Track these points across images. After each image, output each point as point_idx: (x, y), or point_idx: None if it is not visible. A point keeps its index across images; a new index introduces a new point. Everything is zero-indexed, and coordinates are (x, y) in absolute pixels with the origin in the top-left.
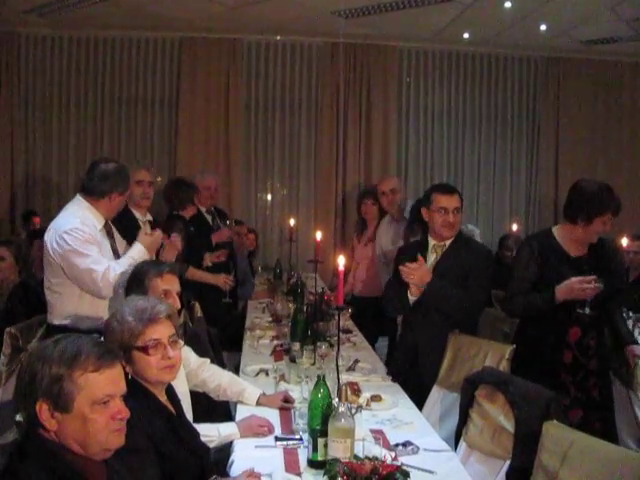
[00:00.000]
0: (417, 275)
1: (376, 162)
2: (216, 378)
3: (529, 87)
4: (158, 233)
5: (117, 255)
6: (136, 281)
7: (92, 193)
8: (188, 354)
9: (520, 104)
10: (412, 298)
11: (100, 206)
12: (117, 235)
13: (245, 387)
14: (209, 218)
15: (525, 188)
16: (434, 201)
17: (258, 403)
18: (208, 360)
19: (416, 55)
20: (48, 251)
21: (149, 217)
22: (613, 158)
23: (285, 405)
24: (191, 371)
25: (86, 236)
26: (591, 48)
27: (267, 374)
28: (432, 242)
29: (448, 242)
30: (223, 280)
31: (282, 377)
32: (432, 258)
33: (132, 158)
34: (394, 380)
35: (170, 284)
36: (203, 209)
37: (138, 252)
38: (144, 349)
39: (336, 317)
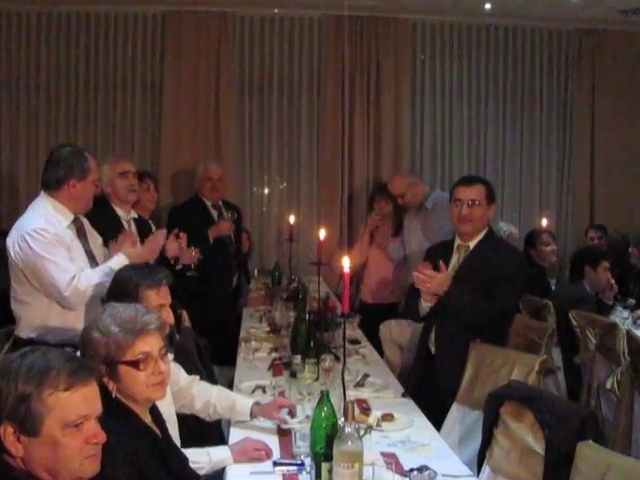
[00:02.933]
0: (434, 283)
1: (387, 150)
2: (204, 395)
3: (560, 63)
4: (152, 243)
5: (92, 258)
6: (124, 293)
7: (49, 184)
8: (177, 371)
9: (550, 82)
10: (426, 305)
11: (62, 198)
12: (93, 235)
13: (235, 399)
14: (214, 213)
15: (556, 177)
16: (453, 193)
17: (252, 415)
18: (197, 377)
19: (431, 29)
20: (10, 256)
21: (133, 214)
22: None
23: (282, 418)
24: (180, 390)
25: (51, 237)
26: (629, 18)
27: (264, 391)
28: (457, 242)
29: (473, 242)
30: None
31: (281, 394)
32: (454, 260)
33: (110, 148)
34: (405, 395)
35: (166, 297)
36: (208, 203)
37: (119, 264)
38: (134, 364)
39: (342, 326)
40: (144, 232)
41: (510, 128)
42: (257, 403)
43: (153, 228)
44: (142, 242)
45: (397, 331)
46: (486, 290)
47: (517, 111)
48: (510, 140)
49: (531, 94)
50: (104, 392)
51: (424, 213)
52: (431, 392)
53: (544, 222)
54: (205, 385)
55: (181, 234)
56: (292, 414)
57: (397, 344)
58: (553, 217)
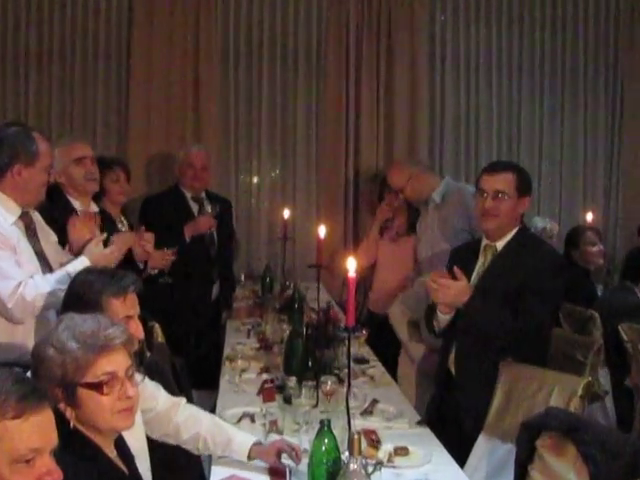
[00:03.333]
0: (449, 294)
1: (400, 132)
2: (193, 425)
3: (608, 29)
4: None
5: (44, 261)
6: (83, 302)
7: None
8: (155, 392)
9: (596, 51)
10: (443, 317)
11: (6, 188)
12: (46, 233)
13: (232, 435)
14: (194, 207)
15: (604, 164)
16: (477, 183)
17: (250, 457)
18: (183, 400)
19: None
20: None
21: (94, 207)
22: None
23: (283, 466)
24: (158, 415)
25: None
26: None
27: (253, 420)
28: (484, 242)
29: (502, 242)
30: (159, 258)
31: (274, 424)
32: (479, 263)
33: (66, 130)
34: (421, 423)
35: (134, 307)
36: (188, 195)
37: (79, 267)
38: (97, 386)
39: (346, 342)
40: (109, 231)
41: (548, 106)
42: (258, 443)
43: (124, 227)
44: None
45: (411, 304)
46: (517, 300)
47: (557, 87)
48: (549, 121)
49: (573, 66)
50: (60, 421)
51: (433, 209)
52: (453, 421)
53: (589, 217)
54: (194, 411)
55: (146, 234)
56: (297, 459)
57: (413, 322)
58: (600, 212)
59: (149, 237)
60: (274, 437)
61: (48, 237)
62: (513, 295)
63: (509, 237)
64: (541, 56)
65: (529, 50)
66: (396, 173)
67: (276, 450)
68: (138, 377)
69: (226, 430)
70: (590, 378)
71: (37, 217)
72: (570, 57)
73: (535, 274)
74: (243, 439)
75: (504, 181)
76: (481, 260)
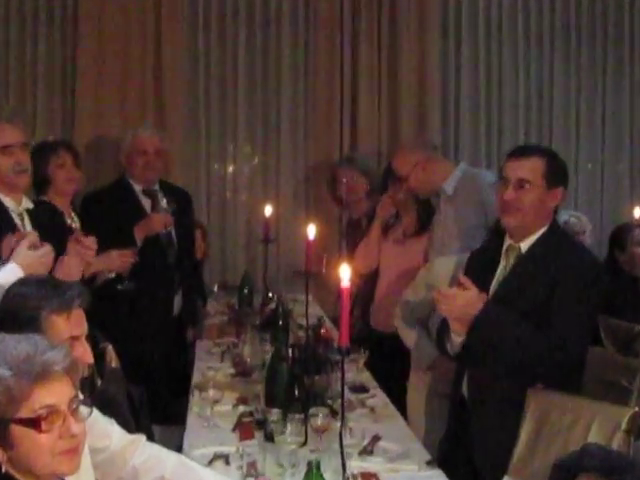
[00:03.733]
0: (457, 305)
1: (407, 108)
2: (155, 466)
3: None
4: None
5: None
6: (18, 320)
7: None
8: (108, 428)
9: None
10: (457, 339)
11: None
12: None
13: (205, 478)
14: (146, 203)
15: None
16: (501, 171)
17: None
18: (143, 437)
19: None
20: None
21: (27, 204)
22: None
23: None
24: (113, 457)
25: None
26: None
27: (227, 462)
28: (507, 242)
29: (527, 243)
30: (120, 260)
31: (252, 466)
32: (500, 268)
33: (1, 106)
34: (431, 464)
35: (80, 325)
36: (138, 188)
37: (9, 277)
38: (33, 423)
39: (340, 367)
40: (58, 228)
41: (587, 81)
42: None
43: (75, 223)
44: (52, 242)
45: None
46: (543, 313)
47: (597, 57)
48: (587, 97)
49: (617, 31)
50: None
51: (445, 202)
52: (468, 461)
53: (637, 213)
54: (156, 451)
55: (86, 239)
56: None
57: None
58: None
59: (90, 242)
60: None
61: None
62: (540, 306)
63: (536, 236)
64: (577, 21)
65: (562, 14)
66: (400, 158)
67: None
68: (85, 410)
69: (197, 472)
70: (637, 408)
71: None
72: (613, 22)
73: (566, 281)
74: None
75: (530, 168)
76: (502, 264)
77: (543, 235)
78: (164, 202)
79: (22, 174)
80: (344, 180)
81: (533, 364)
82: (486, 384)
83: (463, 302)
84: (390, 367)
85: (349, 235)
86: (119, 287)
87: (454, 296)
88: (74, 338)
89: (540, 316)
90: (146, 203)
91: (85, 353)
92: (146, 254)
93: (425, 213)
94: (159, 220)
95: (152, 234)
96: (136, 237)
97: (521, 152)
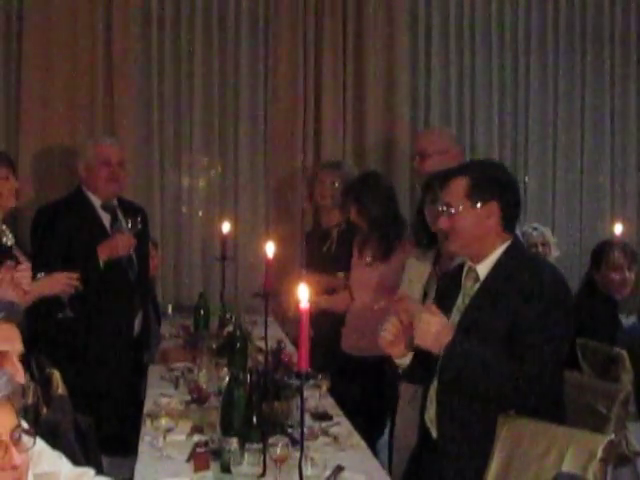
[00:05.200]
0: (430, 332)
1: (373, 116)
2: None
3: None
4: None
5: None
6: None
7: None
8: (57, 461)
9: (626, 19)
10: (400, 362)
11: None
12: None
13: None
14: (105, 218)
15: (637, 162)
16: None
17: None
18: (92, 471)
19: None
20: None
21: None
22: None
23: None
24: None
25: None
26: None
27: None
28: (467, 264)
29: (484, 265)
30: (64, 283)
31: None
32: (461, 293)
33: None
34: None
35: (8, 341)
36: (97, 202)
37: None
38: None
39: (300, 392)
40: None
41: (564, 85)
42: None
43: (9, 240)
44: None
45: None
46: (508, 344)
47: (575, 59)
48: (565, 105)
49: (595, 36)
50: None
51: None
52: None
53: (617, 230)
54: None
55: (20, 266)
56: None
57: None
58: (635, 221)
59: (24, 268)
60: None
61: None
62: (503, 339)
63: (494, 257)
64: (554, 21)
65: (538, 18)
66: (434, 135)
67: None
68: (28, 440)
69: None
70: (614, 436)
71: None
72: (592, 29)
73: (527, 308)
74: None
75: (453, 191)
76: (462, 290)
77: (501, 256)
78: (128, 223)
79: None
80: (326, 182)
81: (503, 397)
82: (453, 412)
83: (437, 328)
84: (359, 392)
85: (311, 244)
86: (59, 315)
87: (428, 322)
88: (1, 355)
89: (505, 347)
90: (105, 218)
91: (16, 372)
92: (107, 274)
93: (386, 239)
94: (124, 243)
95: (115, 257)
96: (99, 257)
97: (445, 177)
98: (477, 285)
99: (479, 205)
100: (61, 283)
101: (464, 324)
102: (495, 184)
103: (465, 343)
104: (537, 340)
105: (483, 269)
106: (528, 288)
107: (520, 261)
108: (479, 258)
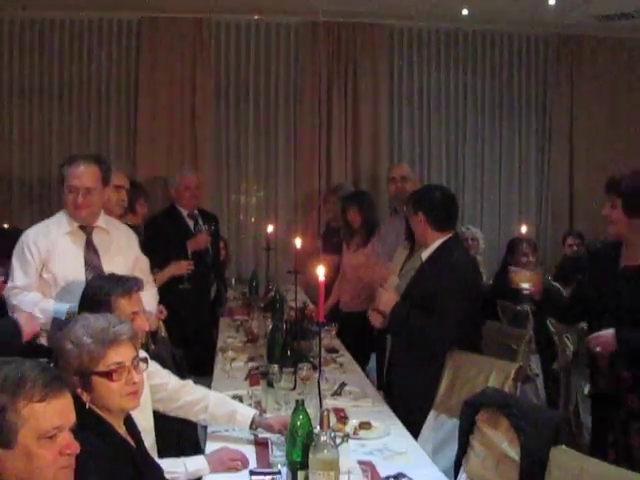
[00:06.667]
0: (381, 302)
1: (365, 156)
2: (201, 400)
3: (538, 69)
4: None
5: (93, 271)
6: (96, 303)
7: None
8: (165, 376)
9: (529, 89)
10: (376, 324)
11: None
12: (115, 251)
13: (236, 408)
14: (190, 223)
15: (535, 184)
16: None
17: (252, 426)
18: (190, 382)
19: (408, 34)
20: None
21: None
22: (636, 149)
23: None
24: (170, 394)
25: (24, 246)
26: (607, 25)
27: (241, 401)
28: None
29: (427, 252)
30: (186, 267)
31: (258, 404)
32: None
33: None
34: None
35: (139, 304)
36: (184, 212)
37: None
38: (107, 374)
39: (318, 334)
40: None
41: (489, 136)
42: (259, 414)
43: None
44: None
45: None
46: (430, 304)
47: (495, 119)
48: (489, 147)
49: (510, 99)
50: (78, 403)
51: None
52: (407, 399)
53: (523, 229)
54: (201, 390)
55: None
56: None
57: None
58: (534, 223)
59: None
60: None
61: (113, 256)
62: (428, 299)
63: (434, 247)
64: (482, 97)
65: (472, 92)
66: (406, 169)
67: (281, 425)
68: (143, 365)
69: (231, 403)
70: (521, 363)
71: (107, 235)
72: (507, 93)
73: (439, 280)
74: (246, 411)
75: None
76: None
77: (439, 246)
78: (205, 227)
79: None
80: (330, 201)
81: (425, 338)
82: (400, 353)
83: (384, 300)
84: (352, 335)
85: (327, 237)
86: (181, 286)
87: (379, 294)
88: (134, 313)
89: (429, 306)
90: (190, 223)
91: (143, 323)
92: (193, 259)
93: (366, 231)
94: (204, 239)
95: (199, 249)
96: (188, 249)
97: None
98: (420, 266)
99: (418, 214)
100: (184, 267)
101: (407, 291)
102: (423, 201)
103: (403, 307)
104: (443, 304)
105: (425, 255)
106: (445, 269)
107: (448, 252)
108: (426, 247)
